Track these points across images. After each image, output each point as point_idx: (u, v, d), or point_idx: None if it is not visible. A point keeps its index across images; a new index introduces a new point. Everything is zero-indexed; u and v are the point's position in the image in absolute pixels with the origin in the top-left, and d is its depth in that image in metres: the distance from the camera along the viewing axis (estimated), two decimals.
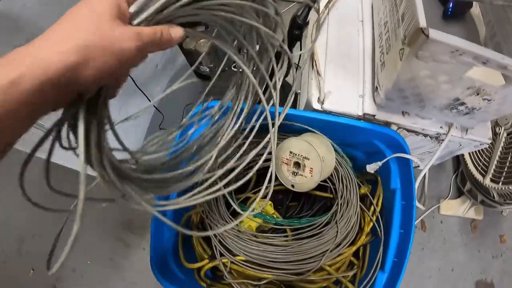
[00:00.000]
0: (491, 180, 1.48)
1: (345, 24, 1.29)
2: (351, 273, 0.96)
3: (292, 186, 1.05)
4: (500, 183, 1.41)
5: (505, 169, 1.40)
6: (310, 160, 0.98)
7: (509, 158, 1.39)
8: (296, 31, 1.19)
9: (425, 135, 1.17)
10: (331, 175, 1.06)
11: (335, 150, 1.08)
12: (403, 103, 1.02)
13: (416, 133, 1.15)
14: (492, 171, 1.49)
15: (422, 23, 0.76)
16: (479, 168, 1.60)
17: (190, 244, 1.08)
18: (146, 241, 1.74)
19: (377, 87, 1.08)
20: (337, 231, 0.95)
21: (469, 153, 1.70)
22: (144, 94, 1.40)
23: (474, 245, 1.83)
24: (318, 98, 1.10)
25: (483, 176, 1.53)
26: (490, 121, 1.19)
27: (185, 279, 1.01)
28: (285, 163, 1.02)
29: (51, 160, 0.47)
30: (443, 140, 1.15)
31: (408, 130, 1.13)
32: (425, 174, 1.68)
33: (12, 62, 0.33)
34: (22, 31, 0.92)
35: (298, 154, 1.00)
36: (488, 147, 1.55)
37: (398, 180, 1.05)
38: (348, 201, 1.02)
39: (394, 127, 1.11)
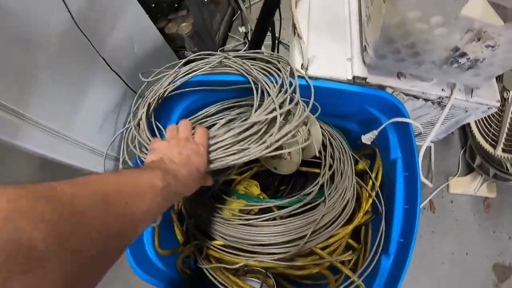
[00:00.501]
0: (503, 150, 1.35)
1: None
2: (346, 257, 0.82)
3: (275, 168, 0.94)
4: None
5: None
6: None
7: None
8: None
9: (426, 100, 1.05)
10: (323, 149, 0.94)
11: (323, 121, 0.96)
12: (396, 59, 0.90)
13: (416, 97, 1.03)
14: (503, 140, 1.35)
15: None
16: (489, 139, 1.47)
17: (174, 236, 0.98)
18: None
19: (365, 46, 0.96)
20: (325, 205, 0.82)
21: (477, 124, 1.57)
22: (127, 85, 1.32)
23: (489, 226, 1.69)
24: (302, 64, 0.99)
25: (494, 147, 1.40)
26: (496, 82, 1.08)
27: (167, 271, 0.91)
28: None
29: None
30: (446, 105, 1.03)
31: (406, 94, 1.01)
32: (430, 149, 1.56)
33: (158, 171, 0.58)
34: None
35: None
36: (496, 114, 1.42)
37: (398, 149, 0.93)
38: (342, 173, 0.90)
39: (389, 91, 0.98)
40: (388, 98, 0.90)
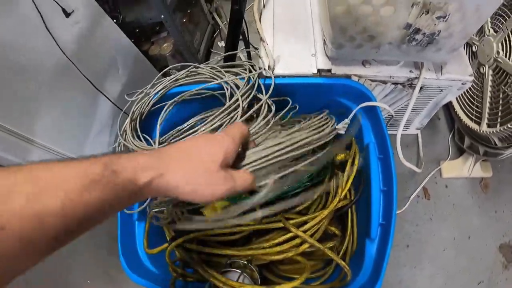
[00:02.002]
0: (488, 126, 1.35)
1: None
2: (328, 244, 0.83)
3: None
4: (498, 125, 1.27)
5: (500, 108, 1.27)
6: None
7: (501, 96, 1.26)
8: (236, 6, 1.12)
9: (395, 84, 1.06)
10: None
11: None
12: (354, 46, 0.92)
13: (383, 82, 1.04)
14: (486, 115, 1.35)
15: None
16: (473, 117, 1.47)
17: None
18: None
19: (324, 40, 0.99)
20: None
21: (460, 105, 1.57)
22: (115, 104, 1.40)
23: (489, 206, 1.65)
24: (268, 65, 1.01)
25: (479, 124, 1.40)
26: (471, 59, 1.09)
27: (159, 273, 0.95)
28: None
29: None
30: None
31: (372, 80, 1.03)
32: (417, 137, 1.56)
33: (147, 170, 0.44)
34: None
35: None
36: (477, 91, 1.43)
37: (371, 133, 0.95)
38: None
39: (355, 79, 1.00)
40: (353, 85, 0.92)
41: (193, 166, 0.47)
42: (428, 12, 0.79)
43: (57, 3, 1.10)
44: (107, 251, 1.71)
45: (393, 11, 0.79)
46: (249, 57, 1.40)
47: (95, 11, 1.32)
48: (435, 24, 0.82)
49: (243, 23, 1.20)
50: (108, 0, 1.58)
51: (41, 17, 1.05)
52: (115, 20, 1.51)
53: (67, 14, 1.15)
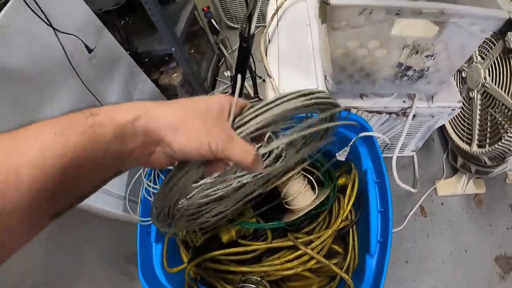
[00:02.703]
0: (478, 146, 1.45)
1: (294, 30, 1.36)
2: (332, 261, 0.93)
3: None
4: (487, 145, 1.38)
5: (488, 130, 1.37)
6: None
7: (488, 118, 1.37)
8: (244, 44, 1.23)
9: (390, 113, 1.16)
10: None
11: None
12: (352, 83, 1.03)
13: (379, 112, 1.15)
14: (476, 136, 1.46)
15: None
16: (464, 139, 1.57)
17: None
18: None
19: (325, 76, 1.10)
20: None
21: (452, 126, 1.68)
22: None
23: (483, 221, 1.74)
24: None
25: (470, 144, 1.51)
26: (461, 85, 1.19)
27: None
28: None
29: None
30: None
31: (369, 112, 1.13)
32: (413, 158, 1.66)
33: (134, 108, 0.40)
34: None
35: None
36: (467, 114, 1.53)
37: (369, 160, 1.04)
38: None
39: (354, 111, 1.11)
40: (351, 117, 1.02)
41: (186, 108, 0.43)
42: (417, 53, 0.90)
43: (81, 40, 1.21)
44: (120, 272, 1.77)
45: (386, 53, 0.90)
46: (255, 88, 1.51)
47: (114, 47, 1.44)
48: (424, 62, 0.93)
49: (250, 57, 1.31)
50: (121, 32, 1.69)
51: (65, 53, 1.14)
52: (128, 52, 1.61)
53: (90, 51, 1.26)
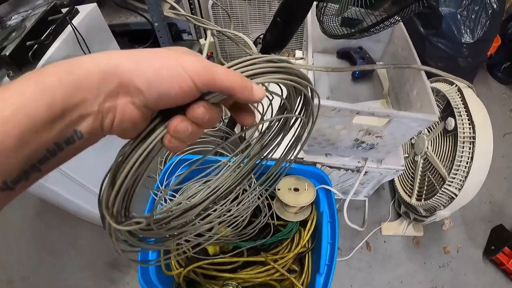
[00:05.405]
0: (416, 199, 1.81)
1: None
2: (291, 276, 1.25)
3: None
4: (423, 199, 1.72)
5: (425, 188, 1.73)
6: None
7: (426, 179, 1.73)
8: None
9: (346, 169, 1.51)
10: None
11: None
12: (321, 146, 1.38)
13: (338, 168, 1.50)
14: (416, 191, 1.82)
15: None
16: (407, 191, 1.94)
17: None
18: (130, 276, 1.87)
19: None
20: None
21: (399, 181, 2.05)
22: None
23: (419, 258, 2.00)
24: None
25: (410, 197, 1.86)
26: (401, 151, 1.54)
27: None
28: None
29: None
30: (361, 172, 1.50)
31: (330, 167, 1.48)
32: (365, 203, 2.01)
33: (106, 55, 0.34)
34: None
35: None
36: (411, 173, 1.91)
37: (325, 204, 1.36)
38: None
39: (319, 166, 1.46)
40: (317, 172, 1.35)
41: (146, 50, 0.35)
42: (370, 134, 1.24)
43: None
44: (102, 277, 1.88)
45: (347, 132, 1.24)
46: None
47: None
48: (374, 140, 1.28)
49: None
50: None
51: None
52: None
53: None
